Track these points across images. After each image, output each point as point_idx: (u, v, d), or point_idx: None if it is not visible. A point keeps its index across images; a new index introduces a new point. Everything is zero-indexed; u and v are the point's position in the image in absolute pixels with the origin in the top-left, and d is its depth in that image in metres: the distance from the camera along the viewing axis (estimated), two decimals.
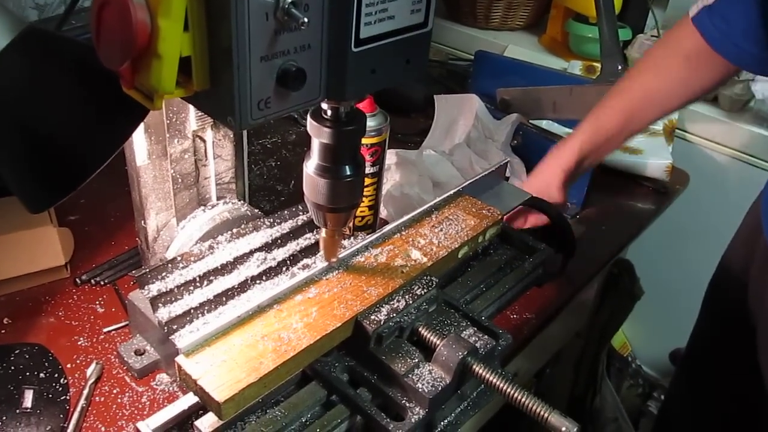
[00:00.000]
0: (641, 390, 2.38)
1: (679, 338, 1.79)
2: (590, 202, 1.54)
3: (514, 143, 1.57)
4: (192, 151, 1.01)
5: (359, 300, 0.85)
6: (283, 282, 0.88)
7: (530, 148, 1.58)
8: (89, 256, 1.19)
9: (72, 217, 1.28)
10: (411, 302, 0.87)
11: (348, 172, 0.78)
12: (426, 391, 0.80)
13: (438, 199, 1.05)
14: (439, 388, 0.81)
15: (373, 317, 0.84)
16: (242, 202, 1.11)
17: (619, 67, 1.53)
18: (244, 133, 1.09)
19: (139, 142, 0.96)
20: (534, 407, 0.77)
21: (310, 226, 1.04)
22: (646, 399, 2.39)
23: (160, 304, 0.89)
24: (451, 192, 1.07)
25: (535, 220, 1.24)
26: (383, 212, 1.30)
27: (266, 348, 0.77)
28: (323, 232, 0.86)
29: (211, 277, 0.94)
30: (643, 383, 2.38)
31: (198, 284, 0.93)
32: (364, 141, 1.13)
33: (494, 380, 0.81)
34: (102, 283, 1.16)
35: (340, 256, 0.91)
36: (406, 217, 1.00)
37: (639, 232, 1.59)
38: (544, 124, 1.70)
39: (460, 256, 0.99)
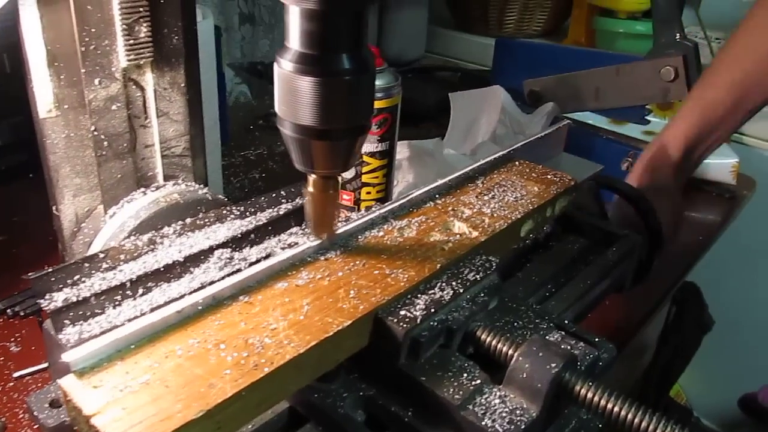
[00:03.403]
0: None
1: (749, 381, 1.47)
2: None
3: None
4: (123, 101, 0.70)
5: (379, 287, 0.53)
6: (255, 266, 0.55)
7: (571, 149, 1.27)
8: (12, 283, 0.93)
9: None
10: (461, 292, 0.54)
11: (348, 65, 0.47)
12: (498, 430, 0.47)
13: (481, 162, 0.73)
14: (522, 426, 0.47)
15: (403, 313, 0.51)
16: (201, 185, 0.79)
17: (678, 36, 1.24)
18: (206, 86, 0.78)
19: (41, 79, 0.65)
20: None
21: (297, 218, 0.71)
22: None
23: (66, 321, 0.57)
24: (498, 154, 0.75)
25: None
26: None
27: (222, 361, 0.44)
28: (309, 185, 0.54)
29: (150, 284, 0.62)
30: None
31: (129, 293, 0.61)
32: None
33: (621, 411, 0.47)
34: (21, 314, 0.88)
35: (340, 230, 0.58)
36: (439, 182, 0.68)
37: (705, 248, 1.28)
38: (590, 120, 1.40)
39: (523, 233, 0.66)
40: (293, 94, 0.48)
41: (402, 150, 1.15)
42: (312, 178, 0.54)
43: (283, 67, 0.48)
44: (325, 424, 0.53)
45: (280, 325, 0.48)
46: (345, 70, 0.48)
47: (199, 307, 0.49)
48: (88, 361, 0.44)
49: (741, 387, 1.76)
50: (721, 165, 1.39)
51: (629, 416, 0.48)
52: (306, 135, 0.50)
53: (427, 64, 1.99)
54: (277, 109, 0.51)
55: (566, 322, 0.61)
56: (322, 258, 0.56)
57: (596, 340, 0.59)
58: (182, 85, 0.74)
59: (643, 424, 0.47)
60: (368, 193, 0.93)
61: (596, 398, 0.49)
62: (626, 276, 0.82)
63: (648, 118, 1.38)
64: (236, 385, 0.42)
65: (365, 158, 0.91)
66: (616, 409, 0.48)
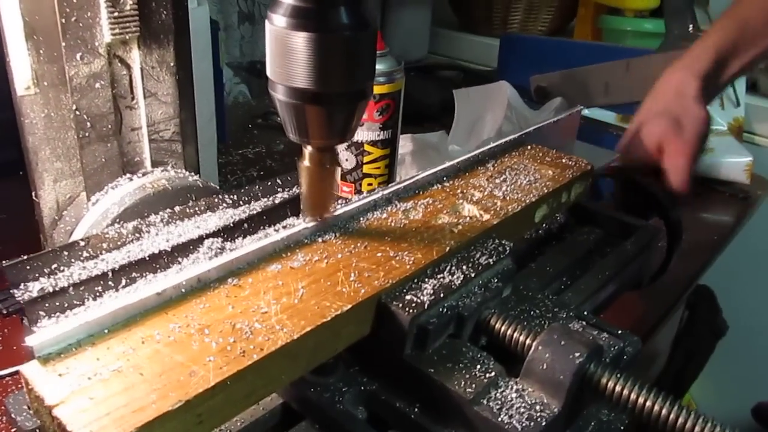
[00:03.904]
0: None
1: (763, 388, 1.48)
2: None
3: None
4: (108, 79, 0.65)
5: (382, 270, 0.47)
6: (246, 246, 0.50)
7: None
8: None
9: None
10: (473, 276, 0.49)
11: (346, 20, 0.42)
12: (518, 429, 0.41)
13: (490, 146, 0.68)
14: (543, 423, 0.42)
15: (409, 298, 0.46)
16: (191, 173, 0.74)
17: (691, 27, 1.20)
18: (202, 78, 0.74)
19: (18, 54, 0.60)
20: None
21: (293, 207, 0.67)
22: None
23: (42, 312, 0.52)
24: (509, 138, 0.70)
25: None
26: None
27: (206, 347, 0.39)
28: (305, 158, 0.49)
29: (134, 274, 0.57)
30: None
31: (111, 284, 0.56)
32: None
33: (655, 406, 0.42)
34: (4, 312, 0.80)
35: (339, 211, 0.53)
36: (447, 164, 0.63)
37: (719, 251, 1.24)
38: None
39: (537, 219, 0.61)
40: (286, 53, 0.43)
41: (405, 144, 1.11)
42: (307, 150, 0.49)
43: (275, 23, 0.44)
44: (322, 422, 0.47)
45: (271, 309, 0.43)
46: (343, 25, 0.43)
47: (182, 290, 0.44)
48: (55, 347, 0.39)
49: (755, 395, 1.69)
50: (734, 164, 1.34)
51: (664, 412, 0.42)
52: (300, 99, 0.45)
53: (430, 63, 1.95)
54: (268, 71, 0.46)
55: (585, 313, 0.56)
56: (320, 240, 0.51)
57: (619, 332, 0.54)
58: (171, 64, 0.69)
59: (680, 420, 0.42)
60: (370, 184, 0.88)
61: (626, 392, 0.44)
62: (644, 271, 0.77)
63: None
64: (220, 374, 0.37)
65: (366, 147, 0.86)
66: (648, 404, 0.43)
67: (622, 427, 0.50)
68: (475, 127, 1.32)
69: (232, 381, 0.38)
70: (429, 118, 1.55)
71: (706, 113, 0.85)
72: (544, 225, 0.74)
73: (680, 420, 0.42)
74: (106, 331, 0.40)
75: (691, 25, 1.19)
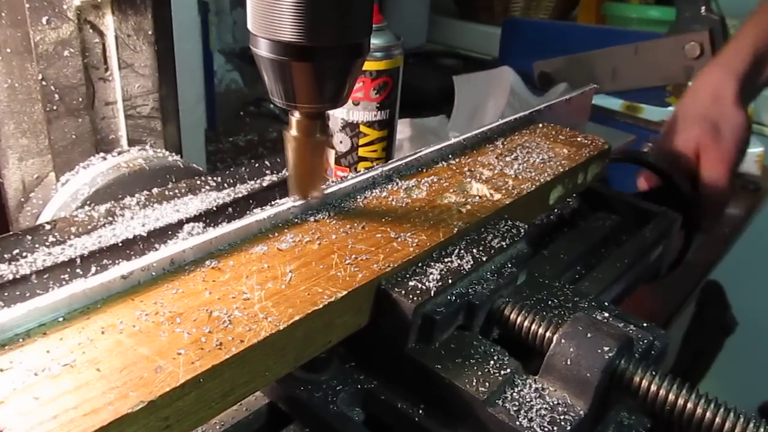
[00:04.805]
0: None
1: None
2: None
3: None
4: (78, 47, 0.59)
5: (382, 253, 0.42)
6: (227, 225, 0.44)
7: None
8: None
9: None
10: (484, 260, 0.43)
11: None
12: None
13: (499, 122, 0.62)
14: (568, 427, 0.36)
15: (413, 284, 0.40)
16: (172, 153, 0.68)
17: (703, 10, 1.14)
18: (188, 59, 0.68)
19: None
20: None
21: (282, 191, 0.61)
22: None
23: (0, 303, 0.46)
24: (519, 115, 0.64)
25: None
26: None
27: (176, 338, 0.33)
28: (292, 127, 0.43)
29: (105, 261, 0.51)
30: None
31: (79, 271, 0.50)
32: (367, 67, 0.73)
33: (697, 409, 0.36)
34: None
35: (333, 188, 0.47)
36: (452, 140, 0.57)
37: (731, 242, 1.19)
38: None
39: (552, 201, 0.56)
40: (269, 1, 0.38)
41: (403, 129, 1.05)
42: (295, 117, 0.43)
43: None
44: (313, 425, 0.42)
45: (255, 295, 0.37)
46: None
47: (152, 273, 0.38)
48: None
49: (762, 393, 1.65)
50: (746, 155, 1.28)
51: (708, 415, 0.37)
52: (286, 55, 0.39)
53: (429, 50, 1.89)
54: (249, 24, 0.40)
55: (606, 303, 0.50)
56: (312, 219, 0.45)
57: (644, 324, 0.48)
58: (150, 32, 0.64)
59: (728, 425, 0.36)
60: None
61: (662, 392, 0.38)
62: (664, 260, 0.71)
63: (668, 100, 1.28)
64: (192, 369, 0.31)
65: (362, 128, 0.80)
66: (690, 405, 0.37)
67: (648, 426, 0.45)
68: (476, 114, 1.27)
69: (206, 378, 0.32)
70: (428, 106, 1.49)
71: (746, 118, 0.80)
72: (555, 210, 0.69)
73: (728, 424, 0.36)
74: (60, 318, 0.35)
75: (703, 7, 1.13)
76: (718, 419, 0.37)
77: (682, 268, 0.81)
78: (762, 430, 0.37)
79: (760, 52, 0.82)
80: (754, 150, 1.30)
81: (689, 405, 0.38)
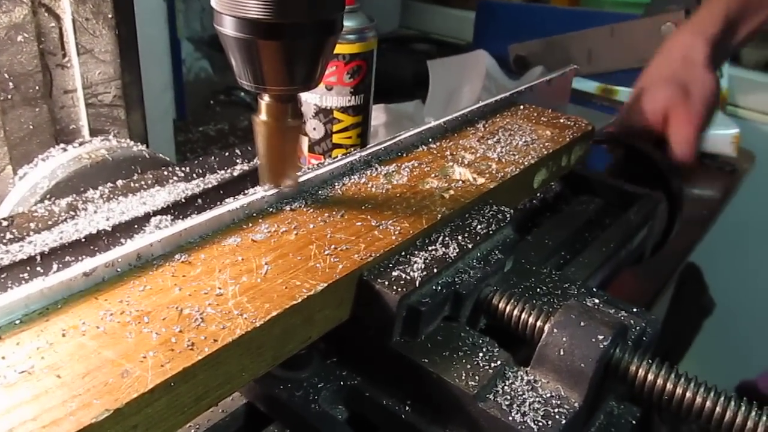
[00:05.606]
0: None
1: (748, 367, 1.41)
2: None
3: None
4: (33, 32, 0.56)
5: (363, 242, 0.39)
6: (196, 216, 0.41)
7: None
8: None
9: None
10: (470, 247, 0.41)
11: None
12: (534, 429, 0.34)
13: (479, 104, 0.60)
14: (563, 421, 0.34)
15: (396, 275, 0.38)
16: (136, 143, 0.65)
17: None
18: (153, 43, 0.65)
19: None
20: None
21: (254, 180, 0.59)
22: None
23: None
24: (498, 97, 0.62)
25: None
26: None
27: (144, 340, 0.30)
28: (261, 111, 0.40)
29: (67, 258, 0.48)
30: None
31: (39, 269, 0.47)
32: (340, 50, 0.70)
33: (696, 398, 0.35)
34: None
35: (308, 175, 0.45)
36: (432, 123, 0.54)
37: (707, 227, 1.18)
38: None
39: (536, 184, 0.54)
40: None
41: (378, 115, 1.03)
42: (264, 101, 0.40)
43: None
44: (294, 425, 0.39)
45: (228, 290, 0.35)
46: None
47: (118, 269, 0.35)
48: None
49: (739, 374, 1.66)
50: (721, 136, 1.29)
51: (708, 404, 0.35)
52: (252, 34, 0.36)
53: (401, 35, 1.86)
54: (213, 1, 0.37)
55: (595, 289, 0.48)
56: (288, 208, 0.43)
57: (634, 309, 0.47)
58: (110, 16, 0.60)
59: (729, 414, 0.35)
60: None
61: (660, 381, 0.36)
62: (648, 242, 0.70)
63: None
64: (161, 373, 0.29)
65: (336, 114, 0.77)
66: (689, 395, 0.36)
67: (633, 421, 0.43)
68: (451, 99, 1.25)
69: (178, 382, 0.29)
70: (402, 93, 1.47)
71: (716, 80, 0.79)
72: (538, 194, 0.67)
73: (728, 414, 0.35)
74: (17, 321, 0.32)
75: None
76: (718, 408, 0.36)
77: (663, 249, 0.80)
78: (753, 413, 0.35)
79: (732, 16, 0.82)
80: (730, 131, 1.30)
81: (688, 394, 0.36)
